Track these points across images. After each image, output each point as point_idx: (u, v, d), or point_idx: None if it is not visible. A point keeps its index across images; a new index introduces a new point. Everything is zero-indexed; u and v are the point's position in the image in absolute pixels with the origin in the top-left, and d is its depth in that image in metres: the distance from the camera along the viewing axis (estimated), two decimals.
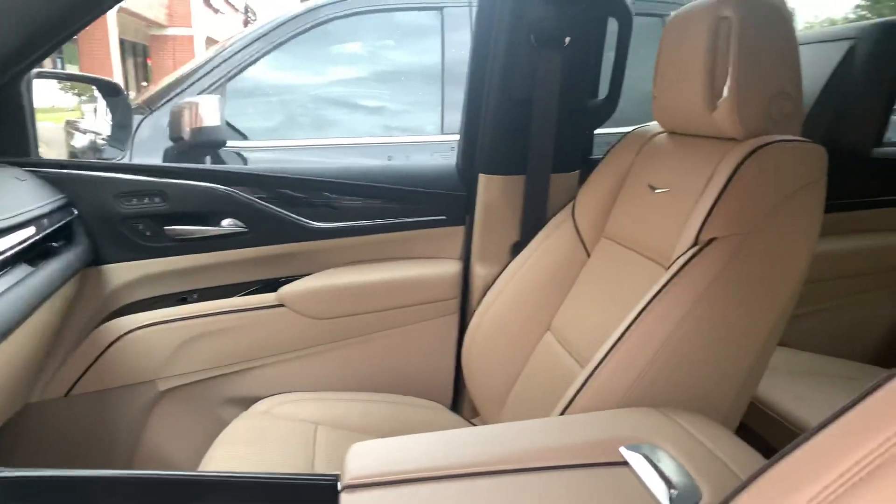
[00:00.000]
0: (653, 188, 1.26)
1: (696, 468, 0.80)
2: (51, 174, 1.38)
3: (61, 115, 3.79)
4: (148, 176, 1.45)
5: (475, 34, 1.51)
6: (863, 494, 0.45)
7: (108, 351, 1.45)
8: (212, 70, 2.58)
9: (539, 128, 1.47)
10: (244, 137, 2.67)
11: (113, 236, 1.44)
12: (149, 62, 19.43)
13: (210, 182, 1.47)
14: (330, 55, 2.89)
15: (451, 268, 1.61)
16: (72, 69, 14.22)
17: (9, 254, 1.06)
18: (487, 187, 1.55)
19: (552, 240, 1.46)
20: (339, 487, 0.78)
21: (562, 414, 1.03)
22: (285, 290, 1.53)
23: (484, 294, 1.54)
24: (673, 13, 1.24)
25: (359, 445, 0.84)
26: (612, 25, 1.57)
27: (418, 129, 2.88)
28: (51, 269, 1.19)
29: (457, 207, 1.62)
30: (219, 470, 1.20)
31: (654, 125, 1.40)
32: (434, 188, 1.61)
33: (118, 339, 1.46)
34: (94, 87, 2.54)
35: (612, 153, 1.43)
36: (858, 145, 1.51)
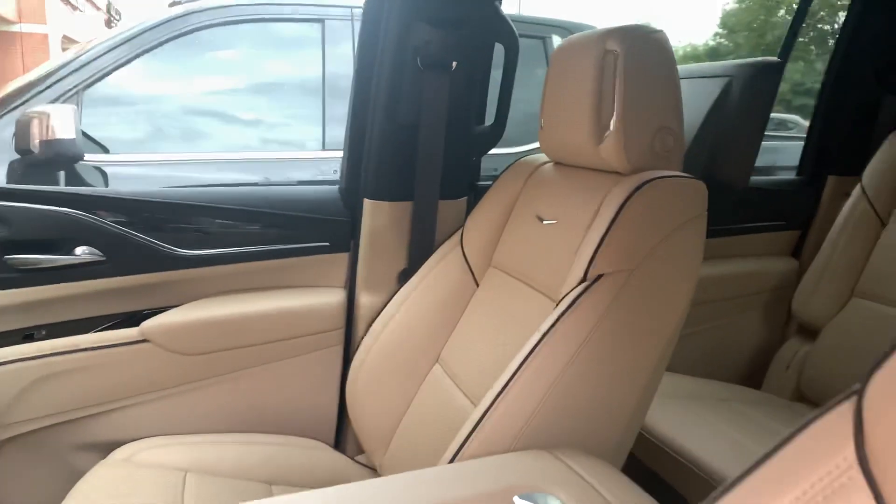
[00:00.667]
0: (540, 219, 1.25)
1: None
2: None
3: None
4: None
5: (358, 54, 1.45)
6: None
7: None
8: (69, 74, 2.35)
9: (426, 153, 1.43)
10: (105, 150, 2.45)
11: None
12: None
13: (60, 205, 1.32)
14: (204, 64, 2.72)
15: (335, 297, 1.53)
16: None
17: None
18: (373, 213, 1.49)
19: (440, 268, 1.42)
20: None
21: (454, 458, 0.99)
22: (149, 324, 1.39)
23: (370, 324, 1.48)
24: (560, 43, 1.24)
25: None
26: (499, 49, 1.56)
27: (299, 145, 2.78)
28: None
29: (341, 233, 1.54)
30: None
31: (541, 155, 1.39)
32: (316, 213, 1.53)
33: None
34: None
35: (500, 182, 1.42)
36: (734, 179, 1.59)
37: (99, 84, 2.42)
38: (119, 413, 1.41)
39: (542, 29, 3.22)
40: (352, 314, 1.54)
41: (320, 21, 2.79)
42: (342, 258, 1.55)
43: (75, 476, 1.31)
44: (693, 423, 1.45)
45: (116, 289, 1.39)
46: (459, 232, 1.46)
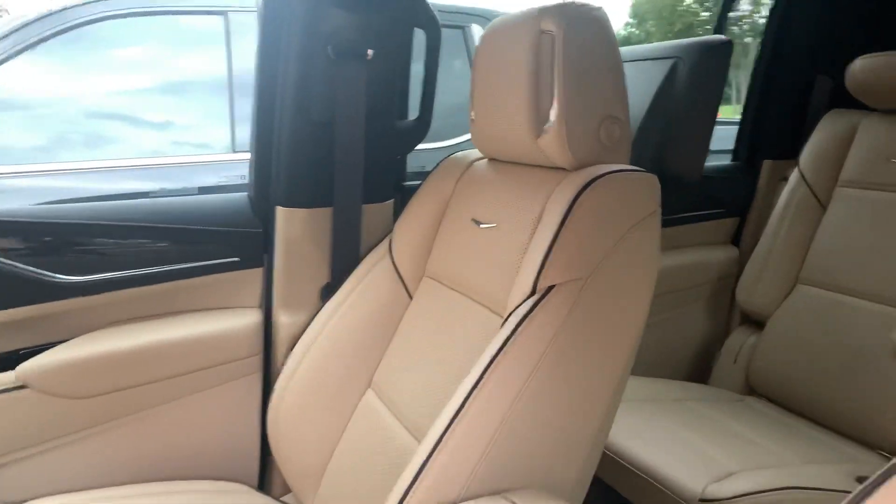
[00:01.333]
0: (477, 222, 1.12)
1: None
2: None
3: None
4: None
5: (260, 44, 1.28)
6: None
7: None
8: None
9: (345, 152, 1.28)
10: None
11: None
12: None
13: None
14: (104, 62, 2.47)
15: (250, 318, 1.36)
16: None
17: None
18: (288, 222, 1.32)
19: (368, 280, 1.28)
20: None
21: None
22: (27, 366, 1.19)
23: (291, 347, 1.32)
24: (488, 25, 1.11)
25: None
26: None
27: (216, 147, 2.57)
28: None
29: (252, 246, 1.37)
30: None
31: (473, 151, 1.27)
32: (223, 225, 1.35)
33: None
34: None
35: (429, 182, 1.28)
36: (687, 171, 1.50)
37: None
38: (1, 473, 1.20)
39: (460, 18, 3.09)
40: (270, 337, 1.37)
41: (223, 14, 2.58)
42: (255, 274, 1.38)
43: None
44: (652, 432, 1.35)
45: None
46: (387, 239, 1.32)
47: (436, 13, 1.39)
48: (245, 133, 2.55)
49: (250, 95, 2.50)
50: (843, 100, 1.71)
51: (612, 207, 0.92)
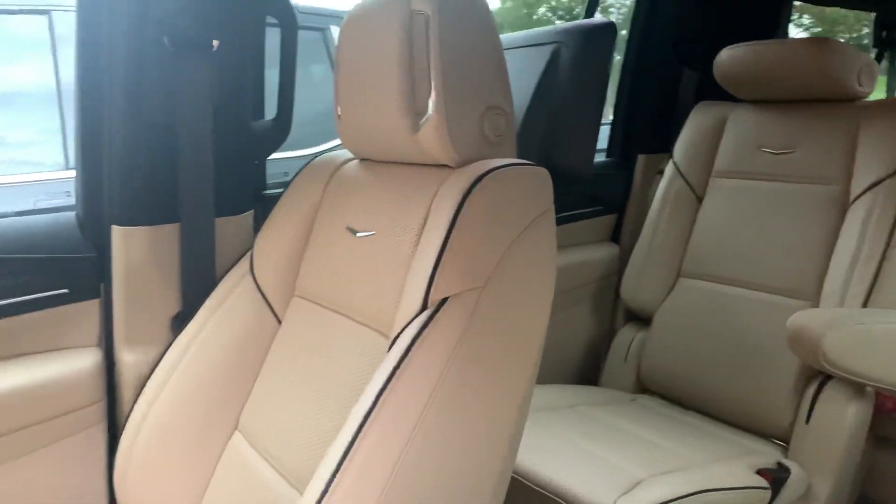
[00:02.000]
0: (353, 231, 0.99)
1: None
2: None
3: None
4: None
5: (79, 35, 1.08)
6: None
7: None
8: None
9: (191, 159, 1.11)
10: None
11: None
12: None
13: None
14: None
15: (87, 360, 1.14)
16: None
17: None
18: (126, 243, 1.12)
19: (228, 305, 1.11)
20: None
21: None
22: None
23: (139, 390, 1.12)
24: (351, 9, 0.98)
25: None
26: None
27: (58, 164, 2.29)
28: None
29: (84, 274, 1.16)
30: None
31: (342, 152, 1.13)
32: (46, 251, 1.13)
33: None
34: None
35: (293, 188, 1.14)
36: (577, 166, 1.44)
37: None
38: None
39: (320, 20, 2.94)
40: (113, 380, 1.16)
41: (45, 13, 2.29)
42: (90, 307, 1.16)
43: None
44: (552, 445, 1.27)
45: None
46: (247, 256, 1.16)
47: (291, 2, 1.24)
48: None
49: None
50: (711, 92, 1.73)
51: (504, 206, 0.83)
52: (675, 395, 1.58)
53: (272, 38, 1.29)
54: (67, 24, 2.33)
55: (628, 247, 1.80)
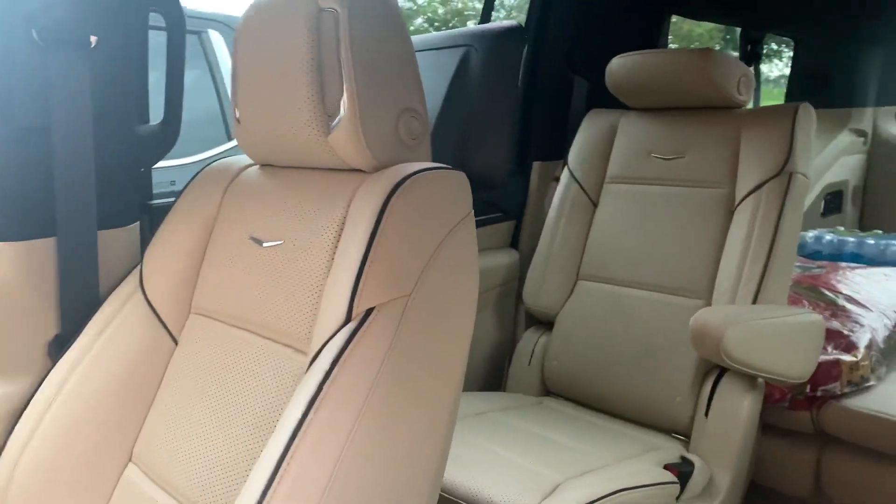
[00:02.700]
0: (258, 242, 0.92)
1: None
2: None
3: None
4: None
5: None
6: None
7: None
8: None
9: (68, 166, 1.00)
10: None
11: None
12: None
13: None
14: None
15: None
16: None
17: None
18: None
19: (116, 326, 1.01)
20: None
21: None
22: None
23: (12, 426, 0.99)
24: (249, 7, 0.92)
25: None
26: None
27: None
28: None
29: None
30: None
31: (238, 157, 1.06)
32: None
33: None
34: None
35: (186, 197, 1.06)
36: (492, 171, 1.42)
37: None
38: None
39: (197, 23, 2.80)
40: None
41: None
42: None
43: None
44: (468, 455, 1.25)
45: None
46: (136, 271, 1.06)
47: None
48: None
49: None
50: (602, 100, 1.78)
51: (427, 211, 0.80)
52: (580, 395, 1.61)
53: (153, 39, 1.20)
54: None
55: (527, 252, 1.82)
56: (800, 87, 2.72)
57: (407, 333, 0.74)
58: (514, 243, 1.90)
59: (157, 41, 1.22)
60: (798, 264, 2.02)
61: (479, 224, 1.77)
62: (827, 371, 1.53)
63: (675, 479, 1.25)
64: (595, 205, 1.72)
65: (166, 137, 1.19)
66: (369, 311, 0.73)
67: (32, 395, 1.00)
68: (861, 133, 2.71)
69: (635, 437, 1.43)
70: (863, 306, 1.76)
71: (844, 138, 2.66)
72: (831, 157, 2.61)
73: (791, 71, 2.77)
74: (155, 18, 1.18)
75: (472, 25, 1.48)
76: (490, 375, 1.81)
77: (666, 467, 1.27)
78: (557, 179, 1.80)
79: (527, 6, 1.82)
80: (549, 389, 1.68)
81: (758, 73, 2.59)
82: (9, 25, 0.95)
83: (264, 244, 0.91)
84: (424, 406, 0.77)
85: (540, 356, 1.69)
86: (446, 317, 0.80)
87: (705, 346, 1.30)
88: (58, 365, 1.00)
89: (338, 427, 0.69)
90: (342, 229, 0.83)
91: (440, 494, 1.15)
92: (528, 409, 1.55)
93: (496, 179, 1.43)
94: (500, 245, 1.86)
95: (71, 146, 0.99)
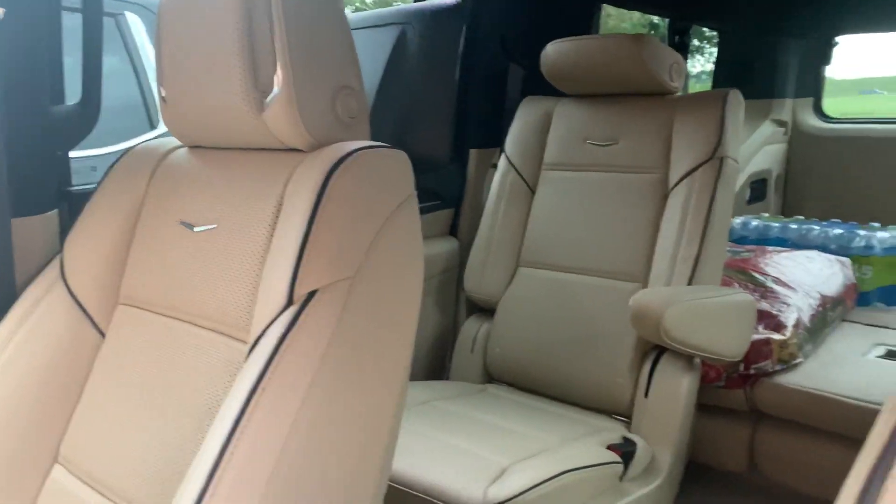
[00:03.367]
0: (189, 226, 0.87)
1: None
2: None
3: None
4: None
5: None
6: None
7: None
8: None
9: None
10: None
11: None
12: None
13: None
14: None
15: None
16: None
17: None
18: None
19: (35, 319, 0.95)
20: None
21: None
22: None
23: None
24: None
25: None
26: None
27: None
28: None
29: None
30: None
31: (166, 139, 1.01)
32: None
33: None
34: None
35: (109, 181, 1.00)
36: (434, 151, 1.39)
37: None
38: None
39: (114, 5, 2.65)
40: None
41: None
42: None
43: None
44: (413, 444, 1.23)
45: None
46: (56, 261, 0.99)
47: None
48: None
49: None
50: (537, 87, 1.78)
51: (369, 190, 0.78)
52: (523, 381, 1.60)
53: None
54: None
55: (467, 240, 1.80)
56: (725, 77, 2.80)
57: (352, 316, 0.72)
58: (453, 231, 1.88)
59: (74, 23, 1.14)
60: (728, 248, 2.08)
61: (419, 212, 1.75)
62: (759, 349, 1.58)
63: (619, 459, 1.26)
64: (533, 192, 1.72)
65: (85, 119, 1.12)
66: (311, 295, 0.70)
67: None
68: (782, 123, 2.82)
69: (579, 420, 1.43)
70: (789, 287, 1.82)
71: (767, 128, 2.75)
72: (755, 146, 2.70)
73: (716, 62, 2.84)
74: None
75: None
76: (433, 364, 1.79)
77: (609, 448, 1.28)
78: (495, 167, 1.79)
79: None
80: (492, 376, 1.68)
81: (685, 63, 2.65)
82: None
83: (196, 229, 0.86)
84: (371, 391, 0.74)
85: (482, 343, 1.68)
86: (392, 299, 0.78)
87: (645, 327, 1.31)
88: None
89: (281, 415, 0.66)
90: (279, 211, 0.79)
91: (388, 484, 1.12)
92: (472, 397, 1.54)
93: (437, 160, 1.41)
94: (439, 233, 1.84)
95: None
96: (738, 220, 2.44)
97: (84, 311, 0.94)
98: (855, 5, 2.49)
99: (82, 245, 0.97)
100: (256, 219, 0.81)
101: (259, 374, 0.66)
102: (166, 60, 0.88)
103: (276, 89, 0.79)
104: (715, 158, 1.47)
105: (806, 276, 1.92)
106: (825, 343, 1.80)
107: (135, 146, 1.03)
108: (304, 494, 0.67)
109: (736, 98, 1.53)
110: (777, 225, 2.36)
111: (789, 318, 1.69)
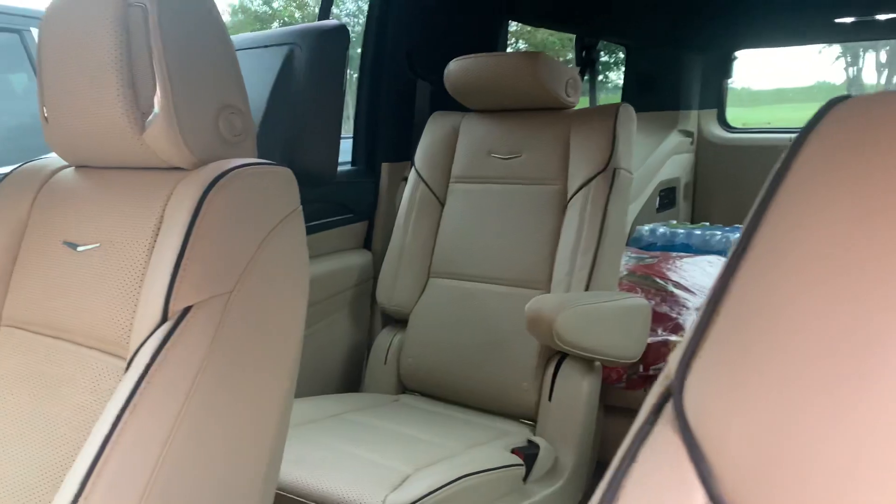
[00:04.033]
0: (72, 245, 0.87)
1: None
2: None
3: None
4: None
5: None
6: None
7: None
8: None
9: None
10: None
11: None
12: None
13: None
14: None
15: None
16: None
17: None
18: None
19: None
20: None
21: None
22: None
23: None
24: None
25: None
26: None
27: None
28: None
29: None
30: None
31: (52, 158, 1.00)
32: None
33: None
34: None
35: None
36: (321, 167, 1.41)
37: None
38: None
39: (16, 20, 2.58)
40: None
41: None
42: None
43: None
44: (317, 455, 1.23)
45: None
46: None
47: None
48: None
49: None
50: (445, 102, 1.82)
51: (248, 206, 0.79)
52: (434, 390, 1.64)
53: None
54: None
55: (380, 252, 1.83)
56: (633, 90, 2.92)
57: (229, 331, 0.73)
58: (367, 244, 1.90)
59: None
60: (634, 255, 2.17)
61: (331, 225, 1.76)
62: (657, 351, 1.66)
63: (521, 462, 1.30)
64: (442, 204, 1.76)
65: None
66: (187, 310, 0.71)
67: None
68: (688, 133, 2.95)
69: (486, 425, 1.47)
70: (689, 291, 1.92)
71: (674, 138, 2.88)
72: (663, 155, 2.82)
73: (625, 75, 2.96)
74: None
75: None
76: (347, 377, 1.81)
77: (513, 451, 1.32)
78: (406, 180, 1.82)
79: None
80: (405, 387, 1.70)
81: (594, 78, 2.75)
82: None
83: (79, 248, 0.86)
84: (251, 405, 0.76)
85: (395, 354, 1.71)
86: (273, 313, 0.79)
87: (540, 332, 1.36)
88: None
89: (156, 430, 0.67)
90: (159, 229, 0.80)
91: (284, 496, 1.13)
92: (384, 408, 1.56)
93: (325, 175, 1.43)
94: (353, 246, 1.86)
95: None
96: (646, 228, 2.54)
97: None
98: (752, 23, 2.64)
99: None
100: (137, 237, 0.81)
101: (131, 390, 0.67)
102: (47, 79, 0.88)
103: (155, 109, 0.80)
104: (608, 169, 1.54)
105: (706, 279, 2.02)
106: None
107: (20, 165, 1.02)
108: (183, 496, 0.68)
109: (626, 111, 1.60)
110: (682, 231, 2.47)
111: (688, 321, 1.77)
